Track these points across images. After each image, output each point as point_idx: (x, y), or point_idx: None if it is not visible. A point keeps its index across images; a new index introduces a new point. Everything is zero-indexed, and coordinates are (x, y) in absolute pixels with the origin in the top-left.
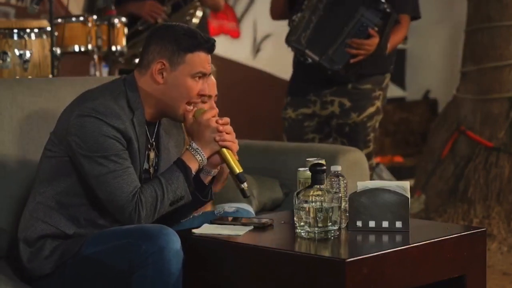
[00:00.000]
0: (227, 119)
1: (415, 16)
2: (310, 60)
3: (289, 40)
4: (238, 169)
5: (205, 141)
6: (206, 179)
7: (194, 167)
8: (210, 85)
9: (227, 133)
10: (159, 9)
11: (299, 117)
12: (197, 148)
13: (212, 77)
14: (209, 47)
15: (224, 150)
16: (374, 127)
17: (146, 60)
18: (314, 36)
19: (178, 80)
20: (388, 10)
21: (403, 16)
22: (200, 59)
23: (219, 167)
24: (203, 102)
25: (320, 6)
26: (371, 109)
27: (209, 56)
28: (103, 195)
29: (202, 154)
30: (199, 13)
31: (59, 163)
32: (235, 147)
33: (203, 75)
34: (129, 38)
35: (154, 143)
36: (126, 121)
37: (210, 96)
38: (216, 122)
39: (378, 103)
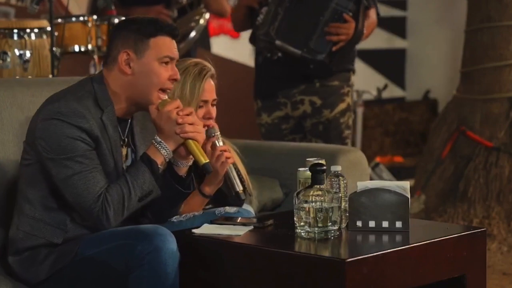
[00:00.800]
0: (189, 109)
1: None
2: (279, 54)
3: (257, 35)
4: (203, 159)
5: (167, 133)
6: (181, 171)
7: (159, 160)
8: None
9: (189, 124)
10: (165, 15)
11: (275, 121)
12: (160, 142)
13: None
14: (171, 31)
15: (190, 141)
16: (348, 124)
17: (112, 56)
18: (285, 29)
19: (146, 67)
20: None
21: (371, 9)
22: (165, 43)
23: (191, 158)
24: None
25: None
26: (342, 105)
27: (174, 42)
28: (70, 198)
29: (166, 147)
30: (205, 18)
31: (34, 170)
32: (200, 137)
33: (171, 59)
34: None
35: (126, 139)
36: (90, 120)
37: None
38: (177, 113)
39: (348, 100)
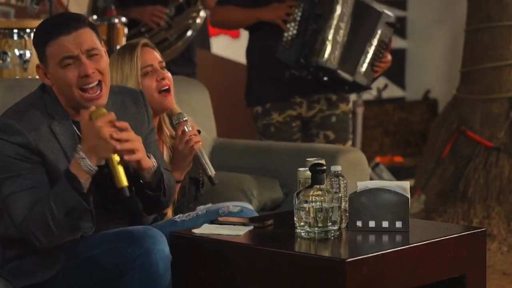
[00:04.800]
0: (124, 123)
1: None
2: (326, 79)
3: (320, 61)
4: (123, 181)
5: (92, 148)
6: (147, 179)
7: (83, 177)
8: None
9: (125, 141)
10: (161, 13)
11: (286, 119)
12: (83, 158)
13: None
14: (61, 29)
15: (114, 159)
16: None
17: None
18: (342, 55)
19: (55, 75)
20: (395, 23)
21: None
22: (59, 46)
23: (153, 167)
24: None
25: (342, 25)
26: (350, 105)
27: (71, 34)
28: (8, 217)
29: (89, 164)
30: (202, 15)
31: None
32: (140, 153)
33: (71, 58)
34: (130, 39)
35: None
36: (28, 135)
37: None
38: (114, 125)
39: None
